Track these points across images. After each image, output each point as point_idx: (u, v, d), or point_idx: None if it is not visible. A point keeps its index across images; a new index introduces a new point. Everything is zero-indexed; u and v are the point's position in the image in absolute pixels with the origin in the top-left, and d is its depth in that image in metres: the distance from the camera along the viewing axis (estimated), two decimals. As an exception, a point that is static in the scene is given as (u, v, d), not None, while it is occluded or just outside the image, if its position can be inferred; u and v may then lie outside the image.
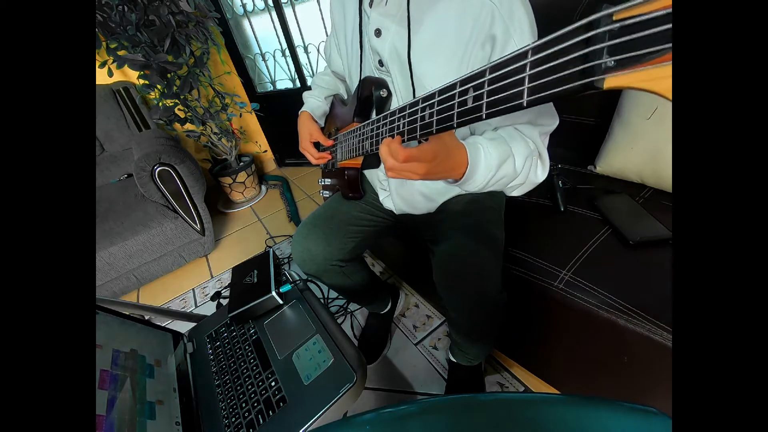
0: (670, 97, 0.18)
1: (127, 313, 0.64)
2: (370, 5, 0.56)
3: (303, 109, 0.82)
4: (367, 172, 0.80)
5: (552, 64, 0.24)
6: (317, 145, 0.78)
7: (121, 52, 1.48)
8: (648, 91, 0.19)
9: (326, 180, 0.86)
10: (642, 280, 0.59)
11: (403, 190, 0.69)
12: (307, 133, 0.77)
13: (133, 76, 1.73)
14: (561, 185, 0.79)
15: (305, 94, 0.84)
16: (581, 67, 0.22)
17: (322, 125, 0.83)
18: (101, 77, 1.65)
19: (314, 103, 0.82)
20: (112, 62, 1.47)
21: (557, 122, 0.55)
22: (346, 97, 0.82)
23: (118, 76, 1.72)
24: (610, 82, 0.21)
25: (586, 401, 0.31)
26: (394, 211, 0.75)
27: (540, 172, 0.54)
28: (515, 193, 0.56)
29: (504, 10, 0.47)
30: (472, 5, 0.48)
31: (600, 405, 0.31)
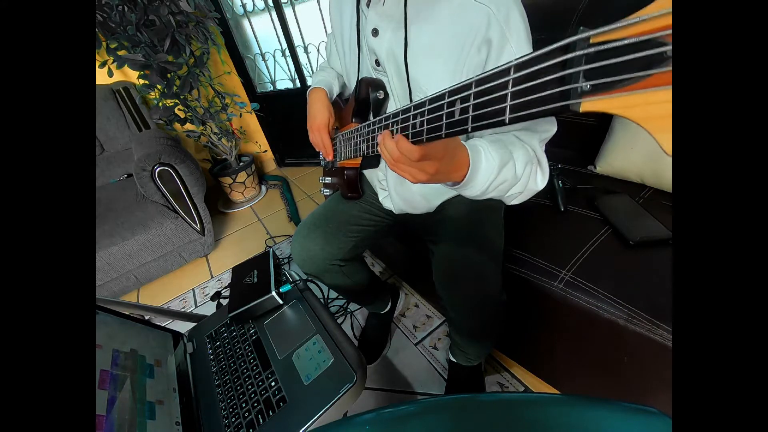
0: (644, 125, 0.18)
1: (127, 313, 0.64)
2: (368, 5, 0.56)
3: (316, 84, 0.73)
4: (367, 172, 0.80)
5: (532, 83, 0.24)
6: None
7: (121, 52, 1.48)
8: (623, 117, 0.19)
9: (327, 179, 0.86)
10: (642, 280, 0.59)
11: (402, 190, 0.69)
12: (327, 115, 0.69)
13: (133, 76, 1.73)
14: (561, 185, 0.79)
15: (315, 74, 0.79)
16: (559, 89, 0.22)
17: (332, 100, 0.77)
18: (101, 77, 1.65)
19: (328, 80, 0.74)
20: (112, 62, 1.47)
21: (555, 129, 0.54)
22: (346, 95, 0.82)
23: (118, 76, 1.72)
24: (586, 106, 0.21)
25: (587, 401, 0.31)
26: (394, 211, 0.75)
27: (539, 180, 0.52)
28: (514, 202, 0.53)
29: (501, 15, 0.47)
30: (468, 9, 0.48)
31: (600, 405, 0.31)
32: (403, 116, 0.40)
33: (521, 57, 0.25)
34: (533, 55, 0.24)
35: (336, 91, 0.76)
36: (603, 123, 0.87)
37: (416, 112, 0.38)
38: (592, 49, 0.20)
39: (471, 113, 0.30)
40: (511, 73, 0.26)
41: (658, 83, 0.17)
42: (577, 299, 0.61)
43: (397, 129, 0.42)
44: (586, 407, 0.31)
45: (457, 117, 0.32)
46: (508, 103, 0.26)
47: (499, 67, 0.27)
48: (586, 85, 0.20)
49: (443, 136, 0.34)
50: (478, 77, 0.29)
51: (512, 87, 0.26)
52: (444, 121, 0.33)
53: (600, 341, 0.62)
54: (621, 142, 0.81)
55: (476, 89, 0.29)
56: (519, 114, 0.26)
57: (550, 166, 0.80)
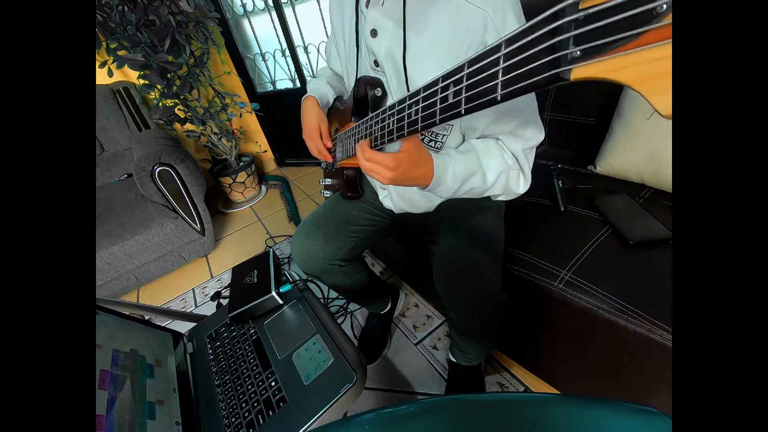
0: (635, 87, 0.18)
1: (127, 313, 0.64)
2: (367, 5, 0.56)
3: (308, 94, 0.76)
4: (367, 172, 0.80)
5: (523, 56, 0.24)
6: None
7: (121, 52, 1.48)
8: (614, 82, 0.19)
9: (327, 180, 0.86)
10: (642, 280, 0.59)
11: (402, 189, 0.69)
12: (317, 122, 0.71)
13: (133, 76, 1.73)
14: (561, 185, 0.79)
15: (309, 81, 0.82)
16: (549, 58, 0.22)
17: (325, 112, 0.79)
18: (101, 77, 1.65)
19: (320, 89, 0.76)
20: (112, 62, 1.47)
21: (542, 136, 0.56)
22: (345, 97, 0.82)
23: (118, 76, 1.72)
24: (577, 72, 0.21)
25: (586, 401, 0.31)
26: (394, 210, 0.75)
27: (521, 185, 0.57)
28: (499, 199, 0.59)
29: (497, 20, 0.47)
30: (465, 12, 0.48)
31: (600, 405, 0.31)
32: (399, 107, 0.41)
33: (511, 31, 0.25)
34: (523, 27, 0.24)
35: (331, 95, 0.77)
36: (603, 123, 0.87)
37: (411, 101, 0.38)
38: (581, 14, 0.20)
39: (464, 94, 0.30)
40: (502, 48, 0.26)
41: (651, 40, 0.17)
42: (577, 299, 0.61)
43: (394, 120, 0.42)
44: (586, 407, 0.31)
45: (450, 101, 0.32)
46: (500, 79, 0.26)
47: (490, 44, 0.27)
48: (576, 51, 0.20)
49: (437, 122, 0.35)
50: (470, 58, 0.29)
51: (503, 62, 0.26)
52: (438, 106, 0.34)
53: (600, 341, 0.62)
54: (621, 142, 0.81)
55: (468, 70, 0.29)
56: (510, 89, 0.26)
57: (550, 165, 0.80)
